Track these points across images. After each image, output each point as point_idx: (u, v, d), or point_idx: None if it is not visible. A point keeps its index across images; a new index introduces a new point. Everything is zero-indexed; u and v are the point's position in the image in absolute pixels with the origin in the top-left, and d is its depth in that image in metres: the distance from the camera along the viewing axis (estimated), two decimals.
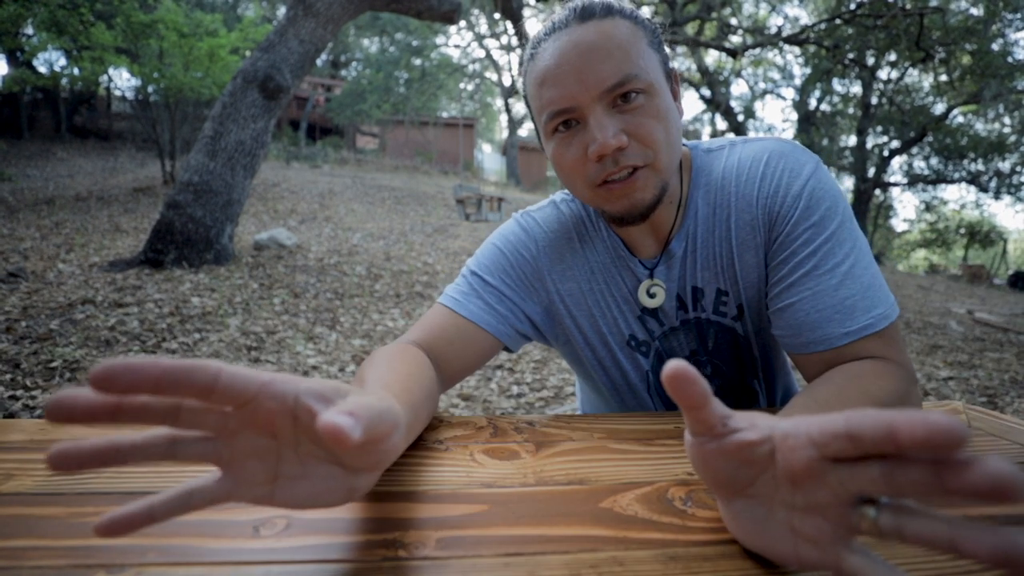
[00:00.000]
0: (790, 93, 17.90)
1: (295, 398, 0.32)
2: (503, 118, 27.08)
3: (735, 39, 10.21)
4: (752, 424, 0.34)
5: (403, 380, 0.51)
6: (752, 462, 0.34)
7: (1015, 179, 13.01)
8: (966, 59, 9.17)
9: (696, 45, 9.40)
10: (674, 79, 0.65)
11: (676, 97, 0.65)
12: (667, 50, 0.66)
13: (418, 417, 0.51)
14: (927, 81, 12.46)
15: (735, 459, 0.34)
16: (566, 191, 0.78)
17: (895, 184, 14.67)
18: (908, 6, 7.03)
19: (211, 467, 0.31)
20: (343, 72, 22.50)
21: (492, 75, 20.44)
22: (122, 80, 13.47)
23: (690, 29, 10.79)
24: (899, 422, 0.25)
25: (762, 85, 16.48)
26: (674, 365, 0.31)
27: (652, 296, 0.72)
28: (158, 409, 0.30)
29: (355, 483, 0.36)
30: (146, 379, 0.27)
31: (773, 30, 11.02)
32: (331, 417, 0.27)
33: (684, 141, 0.73)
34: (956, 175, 13.72)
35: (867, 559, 0.29)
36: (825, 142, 14.68)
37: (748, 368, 0.76)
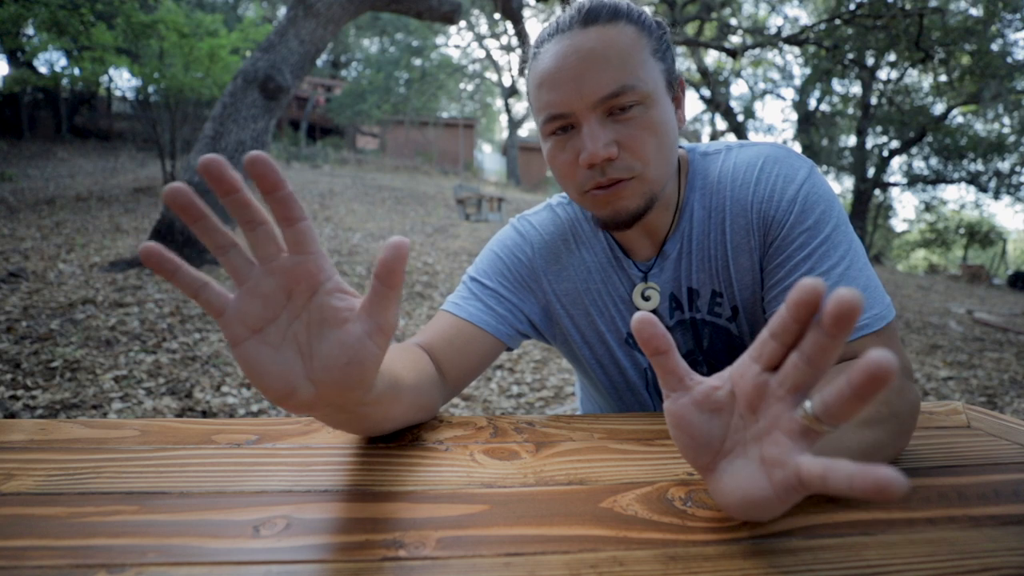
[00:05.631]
0: (790, 93, 17.88)
1: (329, 279, 0.36)
2: (503, 118, 27.07)
3: (735, 39, 10.20)
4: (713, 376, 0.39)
5: (392, 353, 0.54)
6: (720, 408, 0.38)
7: (1015, 179, 13.00)
8: (965, 59, 9.17)
9: (696, 45, 9.40)
10: (678, 87, 0.65)
11: (679, 105, 0.66)
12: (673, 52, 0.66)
13: (406, 380, 0.51)
14: (927, 81, 12.44)
15: (706, 408, 0.38)
16: (563, 194, 0.79)
17: (895, 184, 14.65)
18: (908, 6, 7.02)
19: (235, 289, 0.37)
20: (343, 72, 22.48)
21: (492, 75, 20.43)
22: (122, 80, 13.48)
23: (690, 29, 10.78)
24: (804, 297, 0.31)
25: (762, 85, 16.45)
26: (640, 315, 0.37)
27: (647, 299, 0.73)
28: (248, 217, 0.35)
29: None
30: (264, 175, 0.33)
31: (773, 30, 11.01)
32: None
33: (682, 143, 0.73)
34: (956, 175, 13.71)
35: (821, 457, 0.32)
36: (825, 142, 14.66)
37: None
